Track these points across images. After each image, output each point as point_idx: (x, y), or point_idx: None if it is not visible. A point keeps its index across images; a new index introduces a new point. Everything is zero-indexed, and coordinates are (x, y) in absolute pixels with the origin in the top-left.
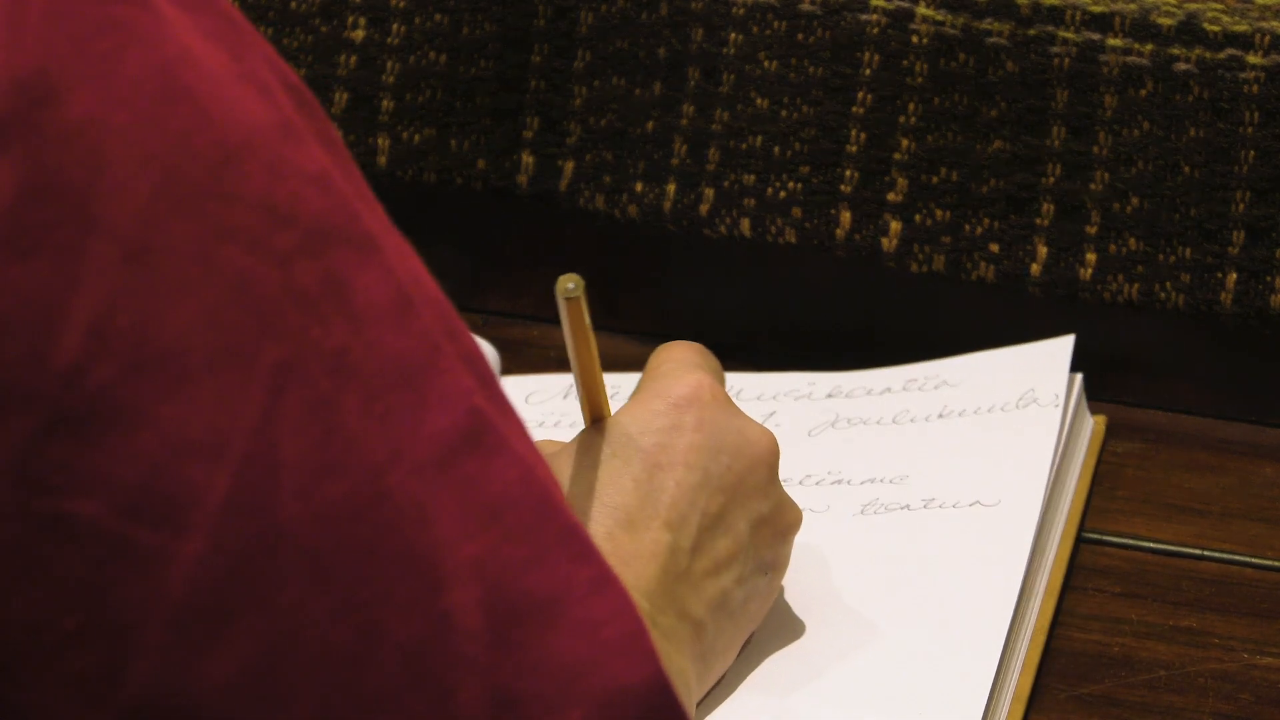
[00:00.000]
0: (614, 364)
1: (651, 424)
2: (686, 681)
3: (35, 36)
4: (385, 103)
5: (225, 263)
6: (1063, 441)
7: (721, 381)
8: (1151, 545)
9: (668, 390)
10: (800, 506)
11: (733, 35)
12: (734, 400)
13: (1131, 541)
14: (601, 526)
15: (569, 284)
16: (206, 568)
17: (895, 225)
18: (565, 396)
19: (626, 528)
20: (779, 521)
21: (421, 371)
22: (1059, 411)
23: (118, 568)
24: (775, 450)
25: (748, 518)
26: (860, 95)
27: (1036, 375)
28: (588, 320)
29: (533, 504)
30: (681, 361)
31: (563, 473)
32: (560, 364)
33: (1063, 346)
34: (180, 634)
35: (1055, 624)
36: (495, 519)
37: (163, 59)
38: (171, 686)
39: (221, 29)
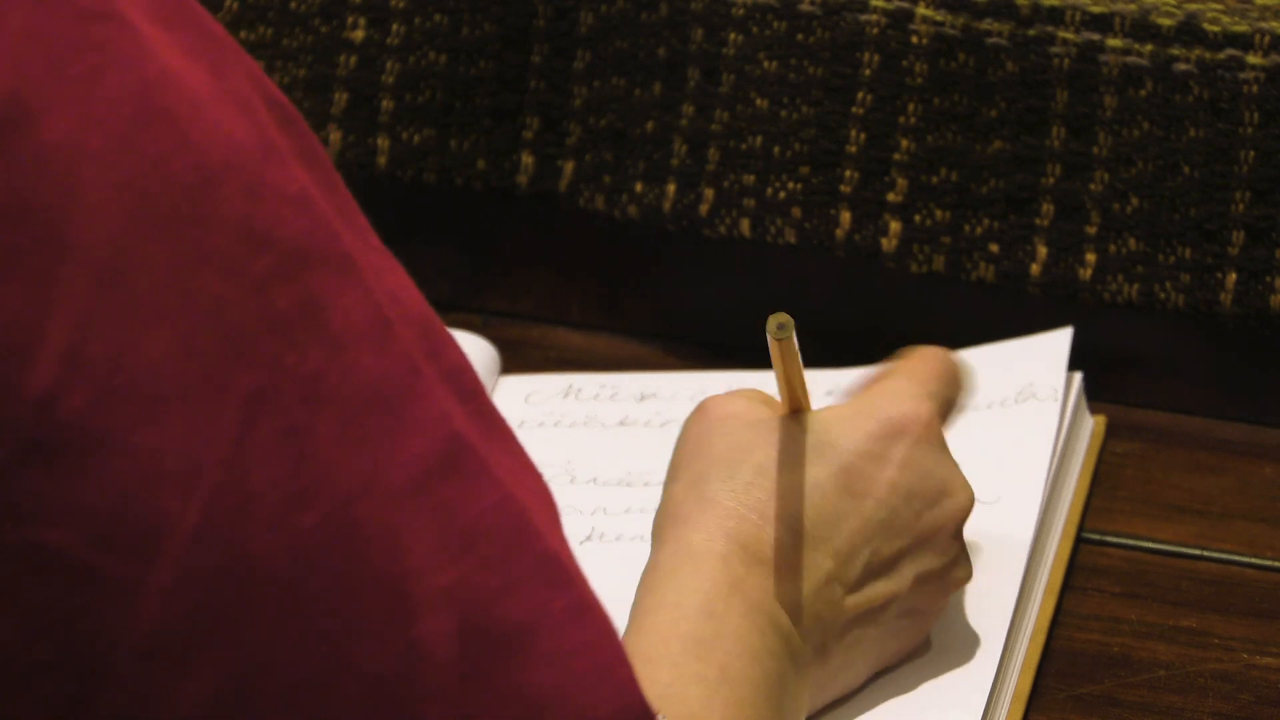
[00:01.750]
0: (614, 364)
1: (860, 445)
2: (796, 704)
3: (10, 58)
4: (385, 103)
5: (200, 289)
6: (1062, 440)
7: (951, 404)
8: (1151, 545)
9: (885, 413)
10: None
11: (733, 35)
12: None
13: (1131, 541)
14: (768, 532)
15: (778, 324)
16: (176, 598)
17: (895, 225)
18: (564, 396)
19: (793, 540)
20: (945, 578)
21: (399, 395)
22: (1058, 405)
23: (87, 597)
24: (969, 509)
25: (917, 569)
26: (860, 95)
27: (1035, 369)
28: (798, 355)
29: (508, 530)
30: (914, 387)
31: (756, 451)
32: (560, 364)
33: (1061, 339)
34: (149, 664)
35: (1055, 624)
36: (470, 547)
37: (141, 80)
38: (140, 716)
39: (203, 45)
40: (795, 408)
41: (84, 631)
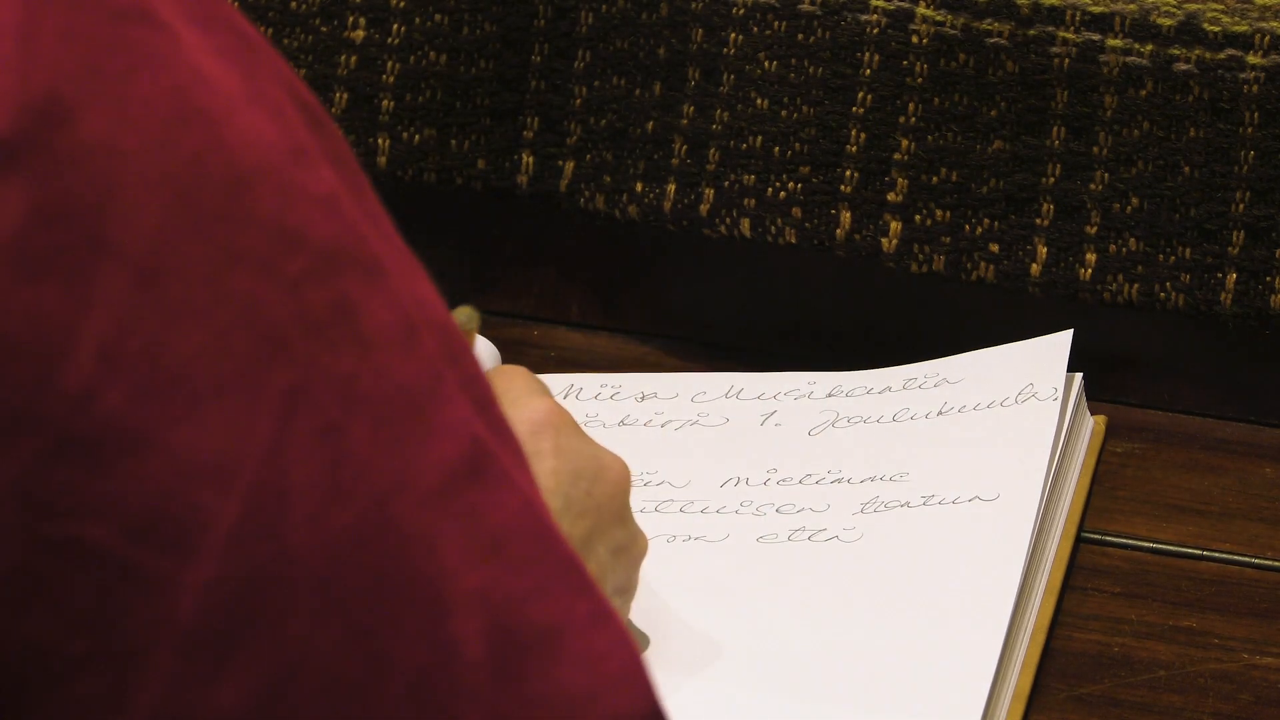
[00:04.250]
0: (614, 364)
1: None
2: None
3: (48, 58)
4: (385, 103)
5: (235, 287)
6: (1063, 440)
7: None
8: (1151, 545)
9: (521, 417)
10: (803, 508)
11: (733, 35)
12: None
13: (1131, 541)
14: None
15: (466, 315)
16: (215, 594)
17: (895, 225)
18: (565, 396)
19: None
20: (633, 549)
21: (426, 399)
22: (1057, 405)
23: (126, 593)
24: (629, 477)
25: (607, 545)
26: (860, 95)
27: (1035, 370)
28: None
29: (533, 535)
30: (526, 389)
31: None
32: (560, 364)
33: (1061, 341)
34: (188, 661)
35: (1055, 624)
36: (497, 549)
37: (176, 80)
38: (178, 714)
39: (236, 47)
40: None
41: (122, 627)
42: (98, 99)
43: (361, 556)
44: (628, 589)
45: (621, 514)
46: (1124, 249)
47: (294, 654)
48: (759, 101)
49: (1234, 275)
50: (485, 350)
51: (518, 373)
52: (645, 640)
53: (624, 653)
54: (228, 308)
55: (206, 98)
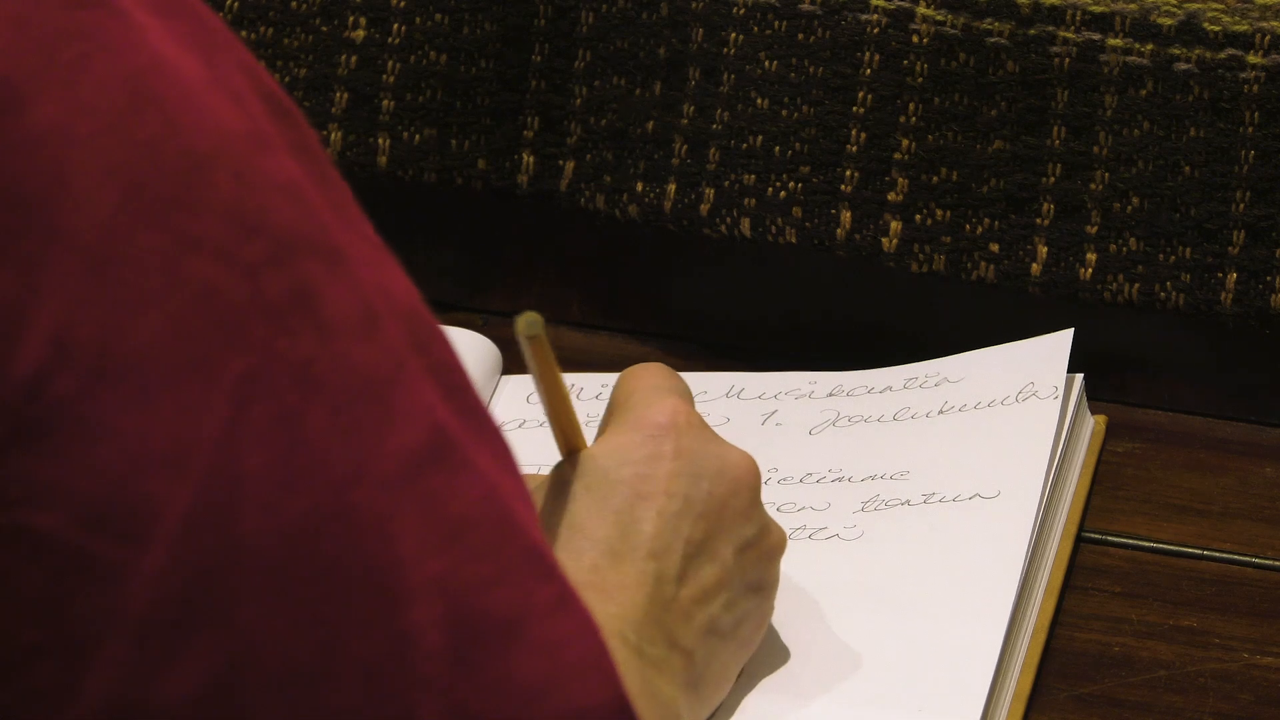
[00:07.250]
0: (614, 364)
1: (630, 454)
2: (676, 710)
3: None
4: (385, 103)
5: (191, 273)
6: (1063, 439)
7: (691, 403)
8: (1152, 545)
9: (643, 419)
10: (804, 506)
11: (733, 35)
12: (731, 405)
13: (1132, 541)
14: (586, 559)
15: (528, 321)
16: (167, 582)
17: (895, 225)
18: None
19: (610, 559)
20: (764, 545)
21: (387, 386)
22: (1058, 403)
23: (78, 581)
24: (756, 473)
25: (732, 543)
26: (860, 95)
27: (1036, 369)
28: (552, 355)
29: (495, 523)
30: (653, 388)
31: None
32: (560, 364)
33: (1062, 340)
34: (140, 649)
35: (1055, 624)
36: (457, 537)
37: (131, 67)
38: (130, 702)
39: (195, 34)
40: (571, 448)
41: (74, 615)
42: (50, 85)
43: (316, 545)
44: (763, 585)
45: (748, 511)
46: (1124, 249)
47: (246, 642)
48: (759, 101)
49: (1234, 275)
50: (485, 350)
51: (649, 371)
52: (785, 655)
53: (586, 641)
54: (183, 293)
55: (163, 84)
